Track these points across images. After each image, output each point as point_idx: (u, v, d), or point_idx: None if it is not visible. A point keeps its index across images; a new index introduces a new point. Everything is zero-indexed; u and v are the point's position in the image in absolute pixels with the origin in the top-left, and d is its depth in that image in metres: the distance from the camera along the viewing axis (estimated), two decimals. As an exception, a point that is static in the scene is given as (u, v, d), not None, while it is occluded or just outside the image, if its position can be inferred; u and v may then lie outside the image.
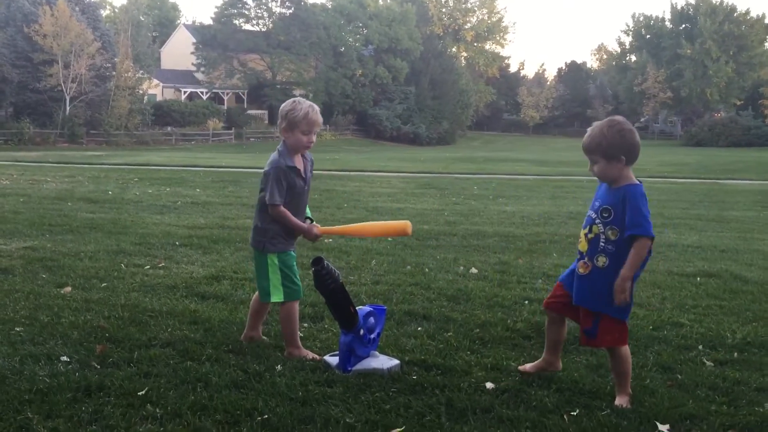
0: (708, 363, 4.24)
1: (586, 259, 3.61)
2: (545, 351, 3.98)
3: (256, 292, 4.38)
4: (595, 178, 3.67)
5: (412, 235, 9.09)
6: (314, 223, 4.28)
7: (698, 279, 6.76)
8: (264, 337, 4.48)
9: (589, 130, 3.64)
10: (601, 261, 3.55)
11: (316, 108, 4.17)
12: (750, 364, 4.25)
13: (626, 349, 3.70)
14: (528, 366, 4.01)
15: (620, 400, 3.61)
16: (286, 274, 4.19)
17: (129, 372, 3.77)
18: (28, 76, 47.02)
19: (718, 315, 5.40)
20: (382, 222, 4.25)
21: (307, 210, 4.34)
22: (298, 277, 4.25)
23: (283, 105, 4.24)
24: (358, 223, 4.28)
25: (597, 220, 3.57)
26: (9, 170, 20.74)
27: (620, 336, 3.65)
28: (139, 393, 3.48)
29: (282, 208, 4.08)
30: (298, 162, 4.19)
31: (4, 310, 4.92)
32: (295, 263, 4.25)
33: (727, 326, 5.05)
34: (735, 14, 79.58)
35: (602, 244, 3.54)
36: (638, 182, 3.59)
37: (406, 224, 4.15)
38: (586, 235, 3.63)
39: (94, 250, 7.37)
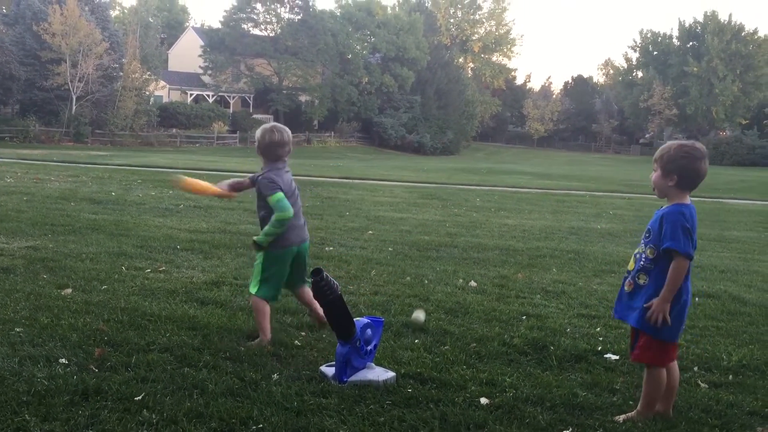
0: (702, 385, 4.26)
1: (629, 277, 3.70)
2: (659, 402, 3.76)
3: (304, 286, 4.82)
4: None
5: (413, 245, 9.15)
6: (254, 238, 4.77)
7: (696, 299, 6.77)
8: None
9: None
10: (642, 279, 3.63)
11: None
12: (744, 387, 4.26)
13: (661, 372, 3.65)
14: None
15: (631, 414, 3.66)
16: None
17: (126, 376, 3.80)
18: (35, 74, 47.19)
19: (715, 336, 5.42)
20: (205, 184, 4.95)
21: (264, 230, 4.68)
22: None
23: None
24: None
25: (642, 241, 3.70)
26: (13, 168, 20.80)
27: (659, 354, 3.63)
28: (136, 398, 3.50)
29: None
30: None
31: (4, 310, 4.96)
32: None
33: (723, 348, 5.06)
34: (743, 33, 79.72)
35: (642, 263, 3.64)
36: (687, 203, 3.61)
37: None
38: (634, 255, 3.74)
39: (95, 252, 7.41)
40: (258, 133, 4.77)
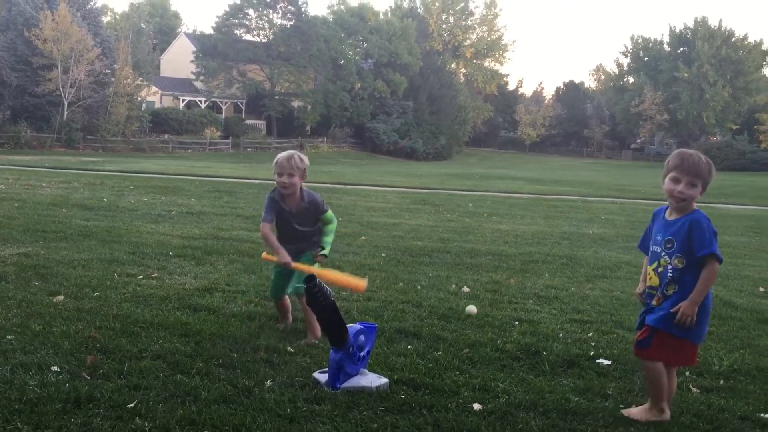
0: (694, 390, 4.28)
1: (658, 293, 3.69)
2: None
3: None
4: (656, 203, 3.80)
5: (405, 251, 9.17)
6: (322, 252, 5.00)
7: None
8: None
9: (690, 153, 3.69)
10: (671, 289, 3.65)
11: (285, 154, 4.89)
12: (736, 392, 4.28)
13: (657, 366, 3.69)
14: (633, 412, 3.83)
15: (642, 408, 3.73)
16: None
17: (119, 384, 3.79)
18: (26, 80, 47.07)
19: (706, 341, 5.43)
20: (345, 274, 4.78)
21: (325, 240, 5.02)
22: (272, 278, 5.16)
23: None
24: (323, 269, 4.79)
25: (663, 253, 3.68)
26: (4, 174, 20.72)
27: (675, 354, 3.68)
28: (129, 405, 3.49)
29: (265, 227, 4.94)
30: (288, 200, 4.92)
31: (-5, 318, 4.93)
32: (275, 269, 5.09)
33: (714, 353, 5.08)
34: (733, 39, 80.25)
35: (671, 274, 3.64)
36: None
37: (362, 282, 4.56)
38: (655, 270, 3.71)
39: (87, 259, 7.38)
40: (305, 158, 4.96)
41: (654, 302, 3.71)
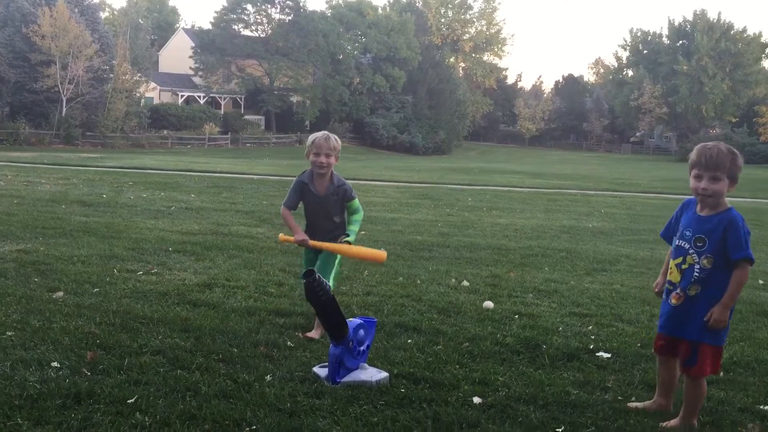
0: (694, 382, 4.28)
1: (678, 290, 3.60)
2: (657, 394, 3.86)
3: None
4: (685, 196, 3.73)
5: (405, 245, 9.17)
6: (347, 238, 4.88)
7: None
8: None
9: (709, 146, 3.55)
10: (694, 290, 3.55)
11: (322, 134, 4.92)
12: (735, 384, 4.29)
13: (705, 384, 3.68)
14: (638, 405, 3.84)
15: (674, 422, 3.64)
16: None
17: (119, 379, 3.79)
18: (25, 77, 46.96)
19: (706, 334, 5.44)
20: (364, 248, 5.01)
21: (350, 229, 4.94)
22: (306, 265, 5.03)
23: None
24: (341, 245, 4.86)
25: (691, 250, 3.56)
26: (3, 171, 20.69)
27: (717, 362, 3.63)
28: (129, 401, 3.50)
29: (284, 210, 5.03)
30: (318, 182, 4.93)
31: (-5, 314, 4.93)
32: (305, 254, 5.11)
33: (714, 345, 5.08)
34: (732, 32, 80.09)
35: (696, 274, 3.54)
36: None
37: (382, 253, 4.76)
38: (678, 265, 3.61)
39: (87, 255, 7.38)
40: (339, 139, 5.02)
41: (673, 300, 3.61)
